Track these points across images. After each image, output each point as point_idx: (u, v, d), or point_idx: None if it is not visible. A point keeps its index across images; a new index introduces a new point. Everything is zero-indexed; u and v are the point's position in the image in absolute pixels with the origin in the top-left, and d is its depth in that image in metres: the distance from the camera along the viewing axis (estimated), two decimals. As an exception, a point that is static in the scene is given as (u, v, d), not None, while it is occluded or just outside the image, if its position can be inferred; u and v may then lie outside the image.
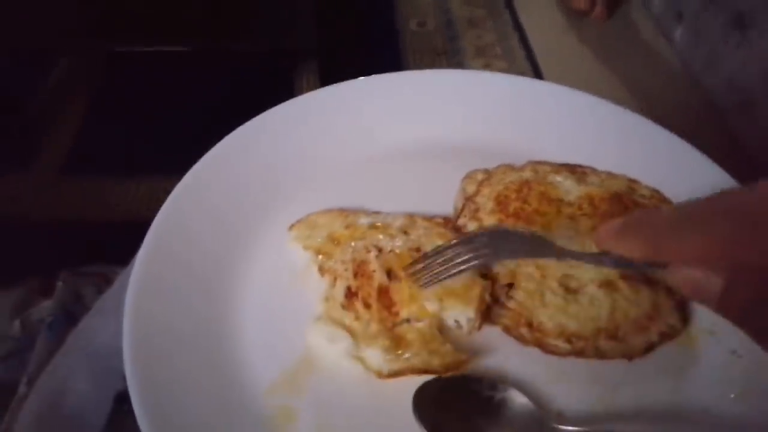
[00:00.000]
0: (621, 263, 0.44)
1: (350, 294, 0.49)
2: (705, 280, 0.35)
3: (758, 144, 1.08)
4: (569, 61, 1.02)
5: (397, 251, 0.51)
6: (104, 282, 0.66)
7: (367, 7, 1.24)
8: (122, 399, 0.53)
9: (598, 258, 0.46)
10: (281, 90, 0.65)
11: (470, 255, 0.48)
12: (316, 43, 1.11)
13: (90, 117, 1.13)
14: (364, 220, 0.55)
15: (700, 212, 0.37)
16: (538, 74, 1.00)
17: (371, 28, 1.22)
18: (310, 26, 1.11)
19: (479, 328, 0.49)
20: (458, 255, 0.48)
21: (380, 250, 0.51)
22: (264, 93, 0.66)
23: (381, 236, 0.53)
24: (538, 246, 0.49)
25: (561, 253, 0.48)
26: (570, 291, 0.49)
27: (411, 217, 0.55)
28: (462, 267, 0.48)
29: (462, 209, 0.56)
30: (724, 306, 0.35)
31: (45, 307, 0.64)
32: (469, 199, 0.56)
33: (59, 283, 0.66)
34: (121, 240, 0.57)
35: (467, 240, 0.50)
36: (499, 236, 0.50)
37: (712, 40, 1.03)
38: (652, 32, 1.03)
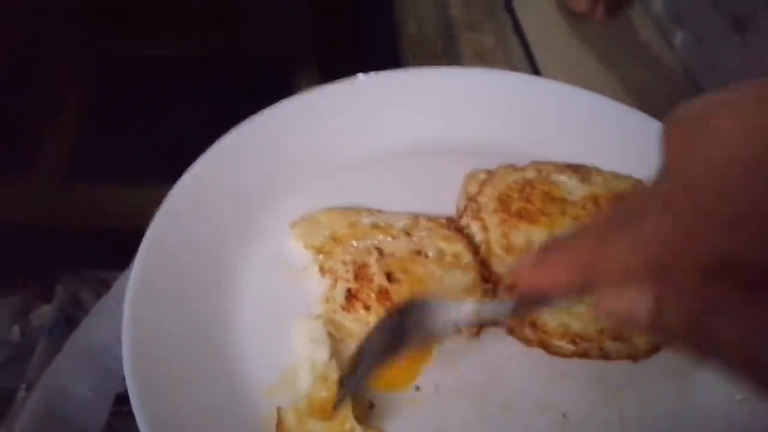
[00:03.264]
0: (543, 303, 0.34)
1: (350, 296, 0.49)
2: (632, 303, 0.27)
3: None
4: (569, 65, 1.02)
5: (398, 254, 0.51)
6: (103, 286, 0.66)
7: (365, 9, 1.25)
8: (122, 400, 0.53)
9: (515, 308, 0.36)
10: (280, 96, 0.65)
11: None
12: (313, 48, 1.11)
13: (89, 123, 1.13)
14: (366, 220, 0.54)
15: (636, 204, 0.28)
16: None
17: (369, 32, 1.21)
18: (307, 31, 1.12)
19: (478, 333, 0.49)
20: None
21: (381, 253, 0.51)
22: (262, 99, 0.65)
23: (382, 237, 0.52)
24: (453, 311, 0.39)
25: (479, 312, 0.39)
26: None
27: (414, 217, 0.55)
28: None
29: (464, 209, 0.55)
30: (656, 328, 0.27)
31: (44, 312, 0.64)
32: (471, 199, 0.56)
33: (59, 288, 0.65)
34: (121, 246, 0.57)
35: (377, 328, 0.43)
36: (411, 311, 0.40)
37: (713, 43, 1.03)
38: (652, 35, 1.03)
